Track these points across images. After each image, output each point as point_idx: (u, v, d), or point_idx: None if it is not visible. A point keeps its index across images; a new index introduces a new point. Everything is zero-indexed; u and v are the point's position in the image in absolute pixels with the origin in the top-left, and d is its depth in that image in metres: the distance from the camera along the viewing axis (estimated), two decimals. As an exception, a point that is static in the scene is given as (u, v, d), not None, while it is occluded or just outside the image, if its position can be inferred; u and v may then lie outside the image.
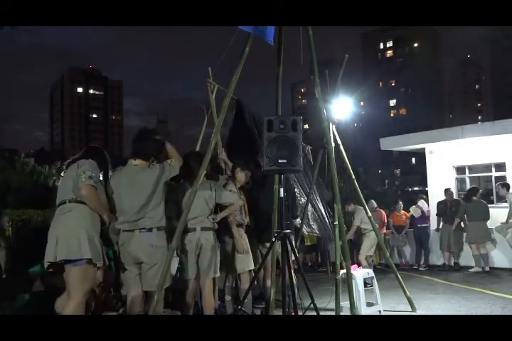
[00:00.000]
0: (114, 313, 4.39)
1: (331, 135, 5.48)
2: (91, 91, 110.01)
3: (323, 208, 6.96)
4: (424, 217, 9.84)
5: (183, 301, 4.50)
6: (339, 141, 5.80)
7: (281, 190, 3.91)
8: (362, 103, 77.28)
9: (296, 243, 5.96)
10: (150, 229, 3.85)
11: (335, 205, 4.81)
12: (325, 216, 6.90)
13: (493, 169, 10.48)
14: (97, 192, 3.63)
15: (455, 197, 9.96)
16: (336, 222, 4.83)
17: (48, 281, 4.45)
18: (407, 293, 5.51)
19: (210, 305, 4.34)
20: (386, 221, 9.89)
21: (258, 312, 5.27)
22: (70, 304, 3.48)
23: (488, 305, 5.70)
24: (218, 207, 4.61)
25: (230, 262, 4.90)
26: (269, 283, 5.16)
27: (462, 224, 9.10)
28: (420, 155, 12.20)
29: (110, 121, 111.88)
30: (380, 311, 5.41)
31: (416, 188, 29.84)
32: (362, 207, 6.72)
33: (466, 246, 9.04)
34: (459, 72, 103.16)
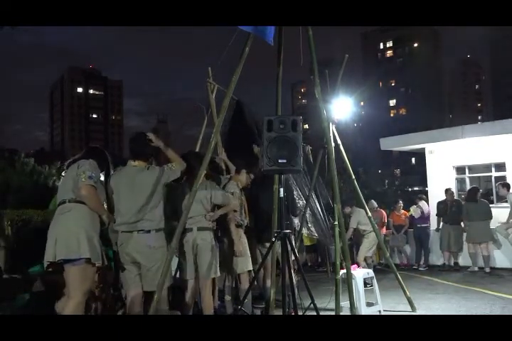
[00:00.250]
0: (113, 313, 4.39)
1: (331, 135, 5.48)
2: (91, 91, 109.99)
3: (321, 211, 6.96)
4: (424, 217, 9.84)
5: (182, 301, 4.50)
6: (339, 141, 5.80)
7: (281, 190, 3.91)
8: (362, 103, 77.25)
9: (296, 243, 5.95)
10: (148, 231, 3.85)
11: (335, 205, 4.81)
12: (323, 219, 6.90)
13: (493, 169, 10.47)
14: (96, 192, 3.63)
15: (455, 197, 9.96)
16: (336, 222, 4.83)
17: (48, 281, 4.44)
18: (407, 293, 5.51)
19: (209, 305, 4.33)
20: (386, 221, 9.89)
21: (258, 312, 5.27)
22: (70, 304, 3.48)
23: (488, 305, 5.70)
24: (216, 207, 4.60)
25: (229, 262, 4.89)
26: (269, 283, 5.16)
27: (463, 224, 9.11)
28: (420, 155, 12.18)
29: (110, 121, 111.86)
30: (380, 311, 5.41)
31: (416, 188, 29.83)
32: (359, 209, 6.73)
33: (466, 246, 9.04)
34: (459, 72, 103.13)
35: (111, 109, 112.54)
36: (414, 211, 9.95)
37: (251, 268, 4.98)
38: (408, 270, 9.31)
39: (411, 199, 11.76)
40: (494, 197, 10.40)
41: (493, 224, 8.86)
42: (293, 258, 4.33)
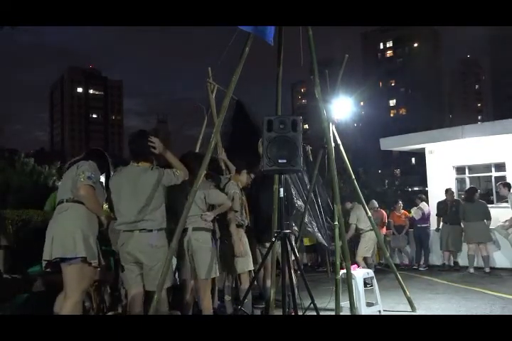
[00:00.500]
0: (111, 313, 4.40)
1: (331, 135, 5.48)
2: (91, 91, 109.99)
3: (319, 212, 6.96)
4: (425, 218, 9.85)
5: (181, 301, 4.51)
6: (339, 141, 5.80)
7: (281, 190, 3.91)
8: (362, 103, 77.23)
9: (296, 243, 5.95)
10: (150, 230, 3.84)
11: (335, 205, 4.81)
12: (322, 220, 6.90)
13: (493, 169, 10.48)
14: (95, 192, 3.64)
15: (455, 197, 9.96)
16: (336, 222, 4.83)
17: (48, 281, 4.45)
18: (407, 293, 5.51)
19: (208, 305, 4.32)
20: (387, 221, 9.89)
21: (258, 312, 5.27)
22: (67, 304, 3.50)
23: (488, 305, 5.71)
24: (211, 207, 4.59)
25: (229, 262, 4.89)
26: (269, 283, 5.16)
27: (462, 224, 9.11)
28: (420, 155, 12.19)
29: (110, 121, 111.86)
30: (380, 311, 5.41)
31: (416, 188, 29.83)
32: (360, 205, 6.71)
33: (465, 246, 9.04)
34: (458, 72, 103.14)
35: (111, 109, 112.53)
36: (415, 213, 9.94)
37: (252, 268, 4.97)
38: (408, 270, 9.31)
39: (411, 200, 11.76)
40: (494, 197, 10.41)
41: (493, 224, 8.86)
42: (293, 258, 4.33)
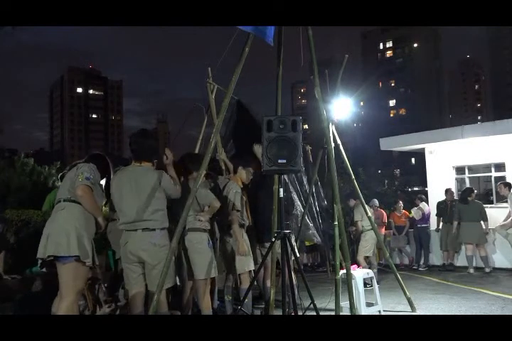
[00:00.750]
0: (108, 309, 4.40)
1: (331, 135, 5.48)
2: (91, 91, 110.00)
3: (317, 212, 6.96)
4: (425, 218, 9.85)
5: (181, 301, 4.50)
6: (339, 141, 5.80)
7: (281, 190, 3.91)
8: (362, 103, 77.28)
9: (296, 243, 5.95)
10: (153, 229, 3.84)
11: (335, 205, 4.81)
12: (319, 221, 6.90)
13: (493, 169, 10.47)
14: (92, 193, 3.66)
15: (455, 197, 9.96)
16: (336, 222, 4.83)
17: (48, 281, 4.45)
18: (407, 293, 5.51)
19: (206, 305, 4.32)
20: (386, 221, 9.89)
21: (258, 312, 5.27)
22: (63, 304, 3.51)
23: (487, 305, 5.70)
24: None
25: (230, 262, 4.89)
26: (269, 283, 5.16)
27: (456, 224, 9.10)
28: (420, 155, 12.18)
29: (110, 121, 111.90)
30: (379, 311, 5.41)
31: (416, 188, 29.80)
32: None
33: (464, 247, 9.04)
34: (458, 72, 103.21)
35: (111, 109, 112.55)
36: (415, 213, 9.94)
37: (253, 268, 4.97)
38: (408, 270, 9.31)
39: (411, 200, 11.75)
40: (494, 197, 10.41)
41: (493, 225, 8.86)
42: (293, 258, 4.33)
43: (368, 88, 72.71)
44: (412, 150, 12.45)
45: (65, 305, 3.49)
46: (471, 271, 8.59)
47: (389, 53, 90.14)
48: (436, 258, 9.80)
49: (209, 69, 6.17)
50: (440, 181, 10.86)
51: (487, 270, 8.46)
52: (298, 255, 4.35)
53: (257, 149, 5.13)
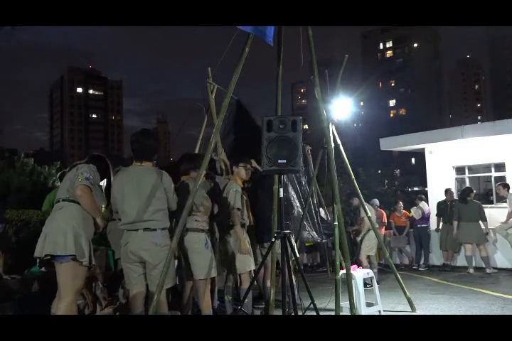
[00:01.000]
0: (108, 309, 4.41)
1: (331, 135, 5.48)
2: (91, 91, 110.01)
3: (315, 212, 6.95)
4: (424, 218, 9.85)
5: (181, 301, 4.50)
6: (339, 141, 5.80)
7: (281, 190, 3.91)
8: (362, 103, 77.30)
9: (296, 243, 5.95)
10: (154, 229, 3.85)
11: (335, 205, 4.81)
12: (317, 221, 6.90)
13: (493, 169, 10.48)
14: (91, 193, 3.67)
15: (455, 197, 9.96)
16: (336, 222, 4.83)
17: (47, 280, 4.45)
18: (407, 293, 5.51)
19: (206, 305, 4.32)
20: (386, 221, 9.89)
21: (258, 312, 5.27)
22: (62, 304, 3.52)
23: (487, 305, 5.70)
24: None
25: (230, 262, 4.89)
26: (269, 283, 5.16)
27: (456, 224, 9.11)
28: (420, 155, 12.19)
29: (110, 121, 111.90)
30: (379, 311, 5.41)
31: (416, 188, 29.80)
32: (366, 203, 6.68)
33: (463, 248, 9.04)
34: (458, 72, 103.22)
35: (111, 109, 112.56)
36: (415, 212, 9.95)
37: (253, 268, 4.97)
38: (408, 270, 9.31)
39: (411, 200, 11.75)
40: (494, 198, 10.41)
41: (493, 225, 8.86)
42: (293, 258, 4.33)
43: (368, 88, 72.72)
44: (412, 150, 12.46)
45: (63, 305, 3.50)
46: (471, 271, 8.59)
47: (389, 53, 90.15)
48: (436, 258, 9.80)
49: (209, 69, 6.17)
50: (440, 181, 10.87)
51: (488, 271, 8.45)
52: (298, 255, 4.34)
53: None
